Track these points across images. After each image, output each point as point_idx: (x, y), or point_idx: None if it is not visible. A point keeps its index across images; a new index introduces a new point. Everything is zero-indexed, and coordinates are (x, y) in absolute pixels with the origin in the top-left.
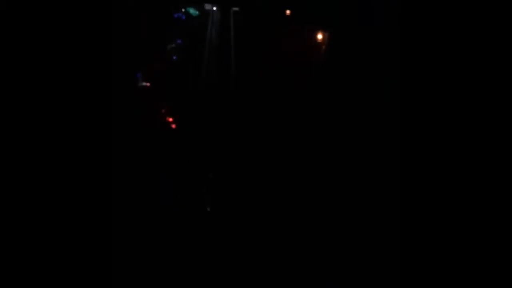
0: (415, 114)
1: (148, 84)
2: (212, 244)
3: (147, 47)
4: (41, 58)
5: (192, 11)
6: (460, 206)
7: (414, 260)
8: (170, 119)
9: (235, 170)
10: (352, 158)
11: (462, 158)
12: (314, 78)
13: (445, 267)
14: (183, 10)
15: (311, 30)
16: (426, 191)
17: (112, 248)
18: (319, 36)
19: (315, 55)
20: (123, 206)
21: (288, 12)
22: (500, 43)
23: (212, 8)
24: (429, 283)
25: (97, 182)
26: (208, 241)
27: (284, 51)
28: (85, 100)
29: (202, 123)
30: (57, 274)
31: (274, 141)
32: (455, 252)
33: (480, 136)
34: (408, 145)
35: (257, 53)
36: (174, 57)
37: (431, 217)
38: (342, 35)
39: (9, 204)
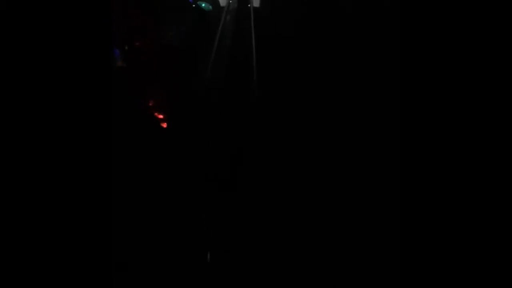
0: (415, 114)
1: (125, 65)
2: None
3: (132, 22)
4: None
5: (204, 5)
6: (460, 206)
7: (414, 261)
8: (160, 116)
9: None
10: (353, 158)
11: (462, 158)
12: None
13: (445, 267)
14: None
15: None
16: (426, 191)
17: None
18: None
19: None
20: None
21: None
22: (501, 43)
23: (229, 0)
24: (429, 283)
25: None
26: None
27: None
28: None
29: (206, 127)
30: (57, 274)
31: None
32: (456, 252)
33: (480, 136)
34: (408, 145)
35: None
36: (175, 27)
37: (432, 218)
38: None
39: (8, 202)
